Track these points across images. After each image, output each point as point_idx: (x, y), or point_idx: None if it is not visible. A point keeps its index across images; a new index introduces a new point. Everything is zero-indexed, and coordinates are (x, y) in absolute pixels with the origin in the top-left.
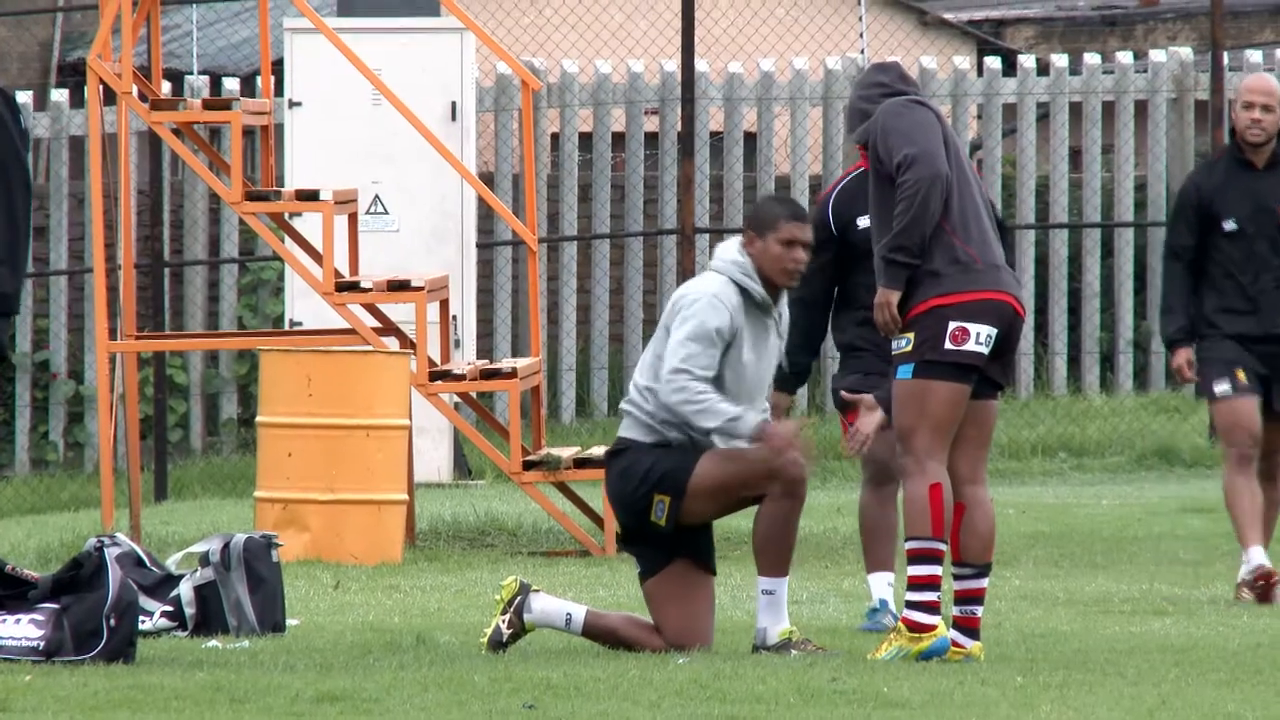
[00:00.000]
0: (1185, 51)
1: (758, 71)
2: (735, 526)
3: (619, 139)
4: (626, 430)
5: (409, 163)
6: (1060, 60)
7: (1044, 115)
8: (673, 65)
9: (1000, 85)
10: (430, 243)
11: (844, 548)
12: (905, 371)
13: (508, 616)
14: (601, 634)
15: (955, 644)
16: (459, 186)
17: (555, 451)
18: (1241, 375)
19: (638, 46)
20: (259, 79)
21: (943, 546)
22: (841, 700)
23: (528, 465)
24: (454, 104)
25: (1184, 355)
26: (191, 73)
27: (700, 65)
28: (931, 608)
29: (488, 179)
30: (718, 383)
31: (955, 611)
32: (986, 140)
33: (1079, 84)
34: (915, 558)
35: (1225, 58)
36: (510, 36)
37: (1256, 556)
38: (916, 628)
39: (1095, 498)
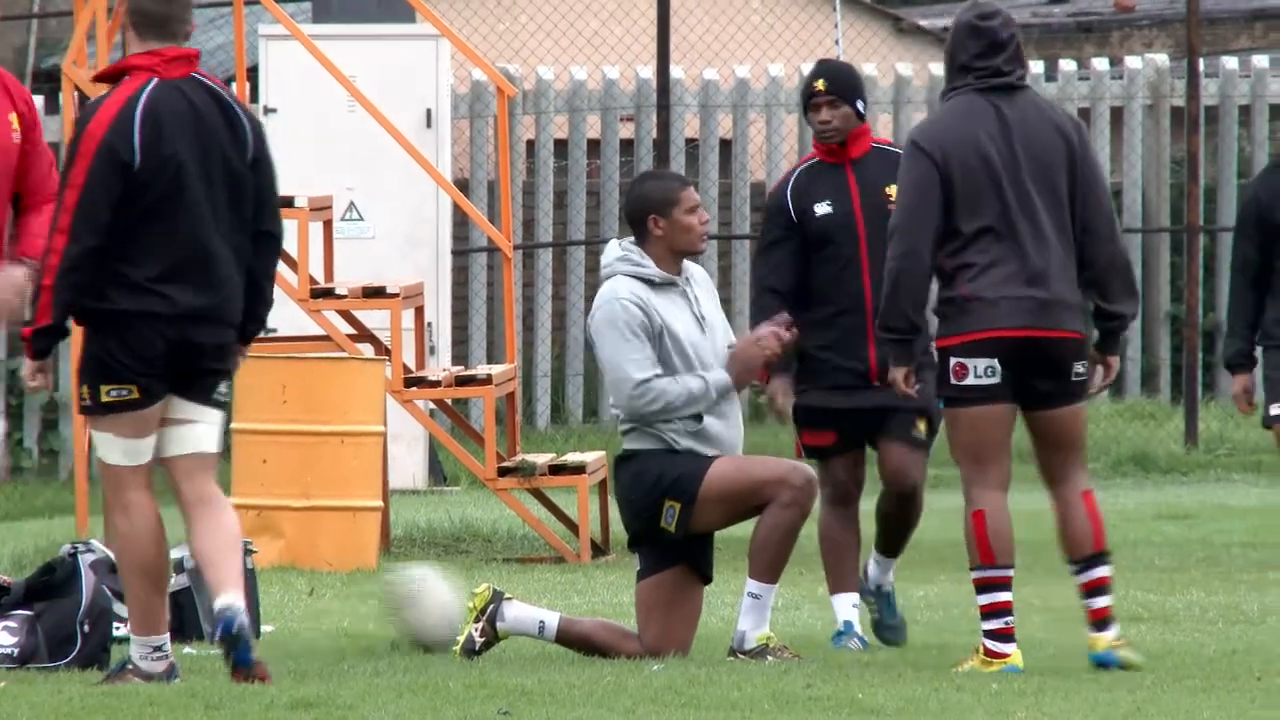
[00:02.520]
0: (1161, 58)
1: (733, 78)
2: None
3: (594, 145)
4: (632, 443)
5: (384, 169)
6: (1036, 67)
7: None
8: (648, 72)
9: None
10: (405, 249)
11: (819, 554)
12: (940, 404)
13: (481, 625)
14: (575, 640)
15: (989, 652)
16: (434, 193)
17: (530, 458)
18: None
19: (613, 53)
20: (234, 85)
21: (999, 573)
22: (816, 707)
23: (503, 472)
24: (429, 110)
25: (1240, 383)
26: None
27: (676, 72)
28: (1003, 635)
29: (463, 186)
30: (669, 367)
31: (1084, 604)
32: None
33: (1054, 91)
34: (978, 587)
35: (1201, 64)
36: (485, 43)
37: None
38: (990, 654)
39: None
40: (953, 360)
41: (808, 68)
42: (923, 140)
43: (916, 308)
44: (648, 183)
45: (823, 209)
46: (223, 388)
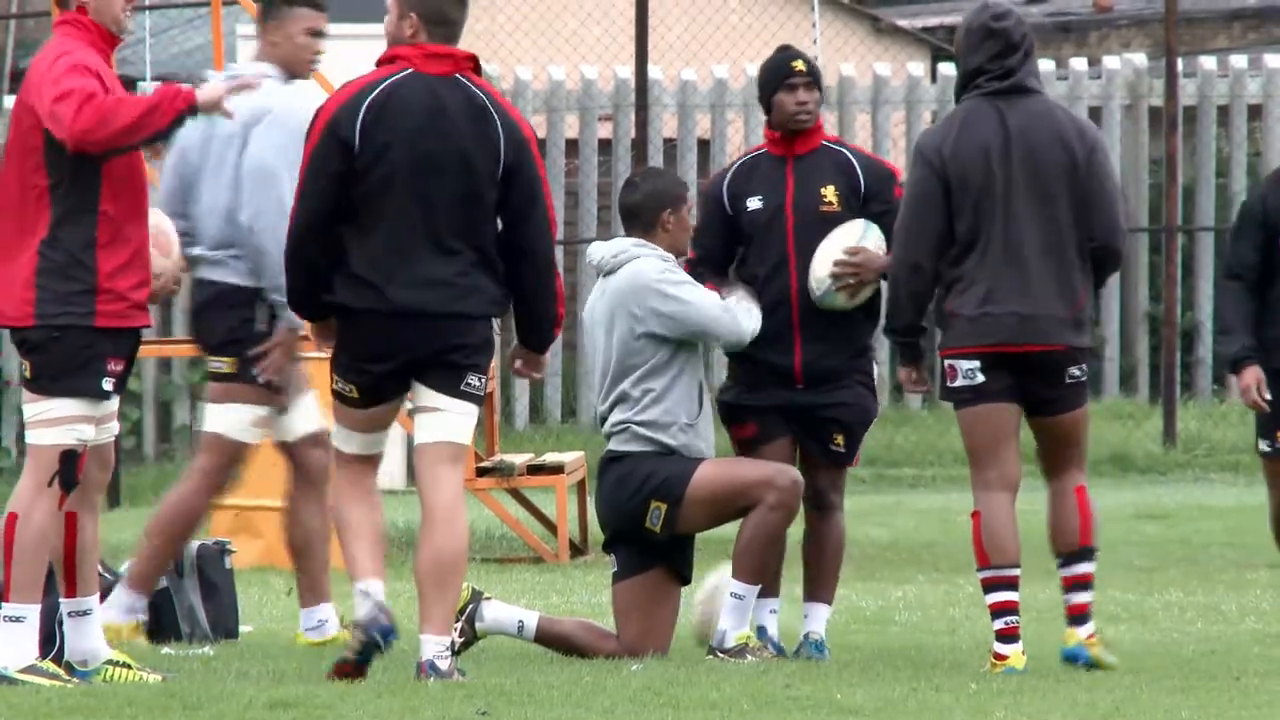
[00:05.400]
0: (1139, 58)
1: (711, 78)
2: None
3: (573, 145)
4: (619, 444)
5: None
6: None
7: None
8: (626, 71)
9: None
10: None
11: (794, 554)
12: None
13: (460, 624)
14: (554, 640)
15: (993, 652)
16: None
17: (508, 458)
18: None
19: (591, 53)
20: None
21: (998, 573)
22: (795, 707)
23: (481, 472)
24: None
25: (1252, 374)
26: (145, 79)
27: (654, 71)
28: (1004, 636)
29: None
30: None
31: (1063, 599)
32: None
33: None
34: (983, 588)
35: (1179, 65)
36: (464, 42)
37: None
38: (995, 655)
39: None
40: (946, 363)
41: None
42: (926, 149)
43: (919, 311)
44: (659, 180)
45: (754, 204)
46: (473, 380)
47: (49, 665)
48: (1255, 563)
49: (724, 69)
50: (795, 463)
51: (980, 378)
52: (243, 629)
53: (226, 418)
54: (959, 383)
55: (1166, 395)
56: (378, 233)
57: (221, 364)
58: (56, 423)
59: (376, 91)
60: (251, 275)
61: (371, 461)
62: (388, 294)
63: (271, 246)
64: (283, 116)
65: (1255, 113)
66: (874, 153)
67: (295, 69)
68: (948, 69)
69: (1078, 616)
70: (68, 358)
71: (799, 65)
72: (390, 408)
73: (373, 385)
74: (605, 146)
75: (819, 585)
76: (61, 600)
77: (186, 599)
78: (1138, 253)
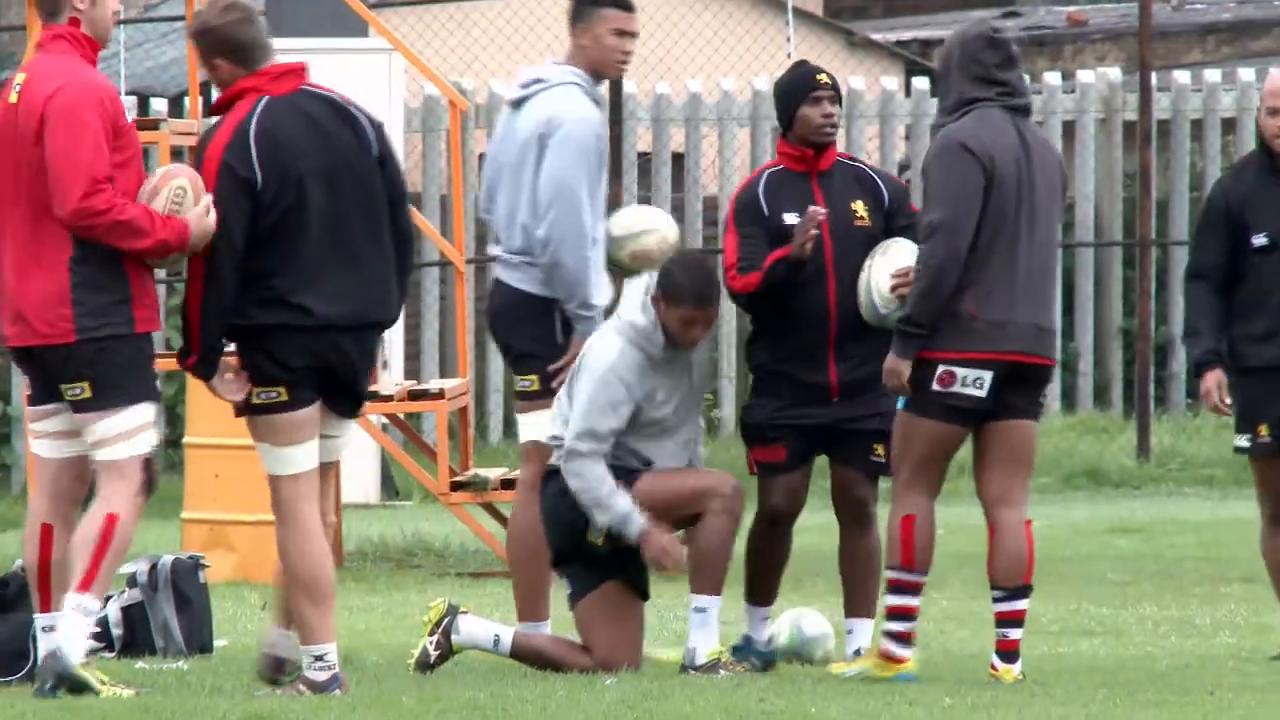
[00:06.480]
0: (1113, 72)
1: (685, 92)
2: None
3: None
4: (558, 459)
5: None
6: None
7: None
8: (600, 86)
9: (928, 105)
10: None
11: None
12: (900, 402)
13: (435, 638)
14: (530, 655)
15: (992, 666)
16: None
17: (482, 472)
18: (1264, 431)
19: None
20: (187, 100)
21: (916, 577)
22: None
23: (455, 486)
24: (381, 124)
25: (1213, 378)
26: (120, 94)
27: (628, 86)
28: (903, 639)
29: (415, 200)
30: (636, 428)
31: (996, 634)
32: (915, 161)
33: None
34: (890, 588)
35: (1153, 79)
36: (438, 57)
37: None
38: (888, 657)
39: None
40: (941, 368)
41: (760, 81)
42: (974, 144)
43: (945, 304)
44: (676, 269)
45: (792, 219)
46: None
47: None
48: (1229, 577)
49: (698, 83)
50: (805, 491)
51: (986, 389)
52: (217, 643)
53: (540, 425)
54: (955, 389)
55: (1140, 409)
56: (299, 255)
57: (528, 382)
58: (133, 432)
59: (253, 124)
60: (546, 285)
61: (315, 482)
62: (319, 310)
63: (568, 260)
64: (576, 129)
65: (1229, 126)
66: None
67: (605, 70)
68: (921, 83)
69: (1012, 653)
70: (124, 367)
71: (823, 78)
72: (316, 413)
73: (300, 384)
74: None
75: (862, 600)
76: (36, 615)
77: (161, 613)
78: (1112, 267)
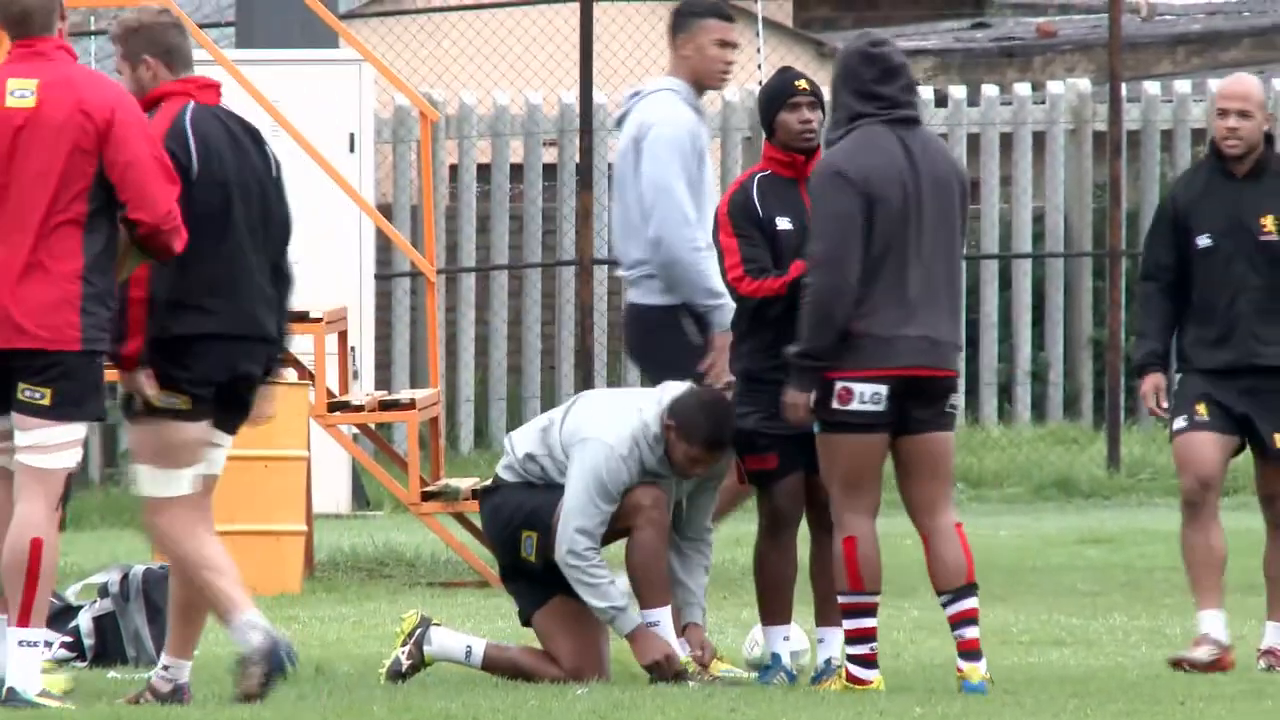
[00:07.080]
0: (1083, 83)
1: None
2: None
3: (517, 170)
4: (501, 473)
5: (307, 194)
6: (958, 92)
7: None
8: (571, 97)
9: None
10: (328, 274)
11: (743, 578)
12: (816, 428)
13: (408, 648)
14: (501, 665)
15: (958, 668)
16: (357, 218)
17: (454, 482)
18: (1202, 409)
19: (536, 78)
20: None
21: (867, 599)
22: None
23: (426, 496)
24: (352, 135)
25: (1150, 382)
26: None
27: (598, 96)
28: (866, 661)
29: (386, 210)
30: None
31: (954, 635)
32: None
33: (977, 115)
34: (844, 612)
35: (1124, 89)
36: (409, 68)
37: (1205, 623)
38: (854, 680)
39: (993, 528)
40: (838, 385)
41: (730, 92)
42: (849, 170)
43: (839, 335)
44: (690, 404)
45: (784, 224)
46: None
47: (53, 687)
48: None
49: None
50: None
51: (884, 404)
52: None
53: None
54: (853, 406)
55: (1110, 420)
56: (217, 258)
57: None
58: (68, 446)
59: (187, 120)
60: (665, 292)
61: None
62: (233, 319)
63: (682, 254)
64: (665, 130)
65: (1199, 137)
66: None
67: (707, 80)
68: None
69: (973, 652)
70: (94, 383)
71: (802, 84)
72: (206, 430)
73: (205, 400)
74: (550, 171)
75: (833, 609)
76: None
77: (132, 623)
78: (1081, 277)
